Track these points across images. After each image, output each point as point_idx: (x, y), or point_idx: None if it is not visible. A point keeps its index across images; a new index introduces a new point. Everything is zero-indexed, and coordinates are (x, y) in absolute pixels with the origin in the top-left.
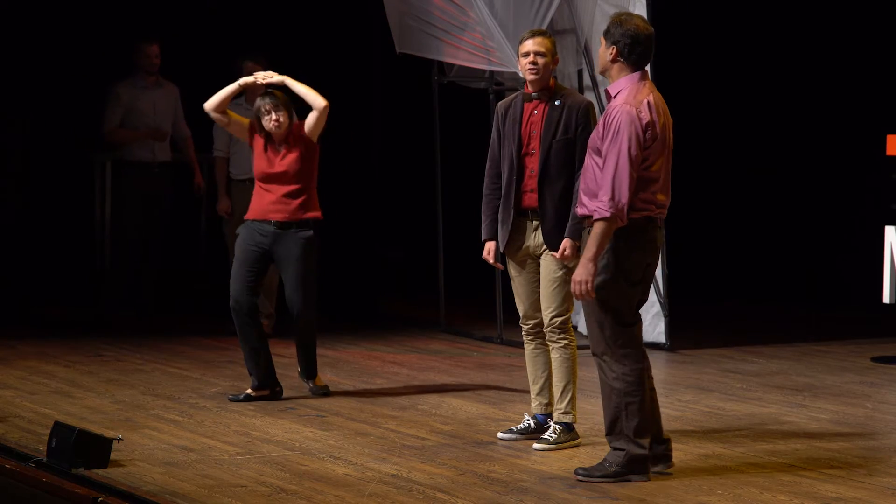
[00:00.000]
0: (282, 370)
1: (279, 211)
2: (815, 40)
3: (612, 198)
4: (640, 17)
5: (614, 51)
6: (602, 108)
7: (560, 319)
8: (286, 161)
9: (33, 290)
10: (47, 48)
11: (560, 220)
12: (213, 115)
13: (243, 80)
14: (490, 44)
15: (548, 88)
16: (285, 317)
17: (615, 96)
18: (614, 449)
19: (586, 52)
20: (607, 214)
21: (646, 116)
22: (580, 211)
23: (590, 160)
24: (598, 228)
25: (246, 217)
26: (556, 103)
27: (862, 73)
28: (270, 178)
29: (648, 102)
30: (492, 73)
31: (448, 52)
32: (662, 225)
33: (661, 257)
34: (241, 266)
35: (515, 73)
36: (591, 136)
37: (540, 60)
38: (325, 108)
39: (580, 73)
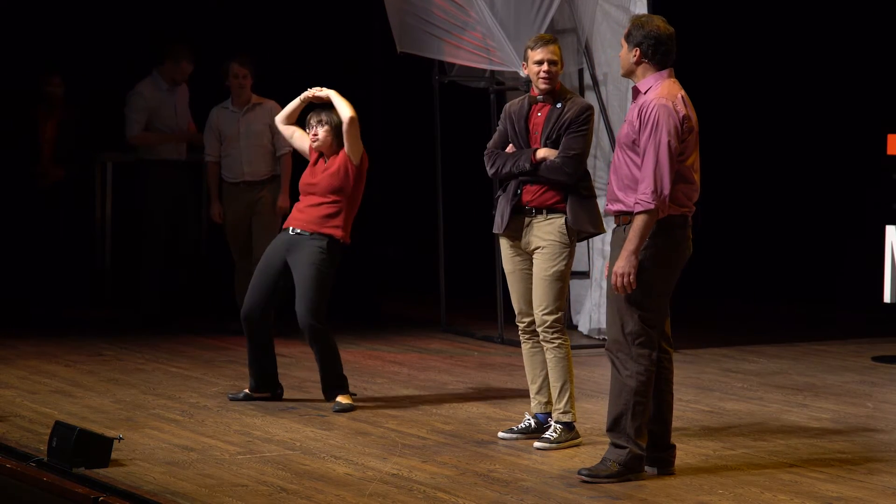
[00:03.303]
0: (282, 370)
1: (300, 220)
2: (815, 40)
3: (655, 190)
4: (659, 17)
5: (637, 53)
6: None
7: (551, 318)
8: (323, 174)
9: (34, 289)
10: (47, 48)
11: None
12: (281, 126)
13: (304, 95)
14: (491, 43)
15: (553, 91)
16: (289, 318)
17: (646, 92)
18: (616, 446)
19: (587, 52)
20: (651, 206)
21: (682, 110)
22: (614, 208)
23: (623, 156)
24: (640, 221)
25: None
26: (558, 106)
27: (862, 72)
28: (307, 189)
29: (682, 97)
30: (492, 72)
31: (449, 51)
32: (692, 223)
33: None
34: (258, 277)
35: (516, 73)
36: (625, 131)
37: (553, 69)
38: (349, 119)
39: (580, 72)
